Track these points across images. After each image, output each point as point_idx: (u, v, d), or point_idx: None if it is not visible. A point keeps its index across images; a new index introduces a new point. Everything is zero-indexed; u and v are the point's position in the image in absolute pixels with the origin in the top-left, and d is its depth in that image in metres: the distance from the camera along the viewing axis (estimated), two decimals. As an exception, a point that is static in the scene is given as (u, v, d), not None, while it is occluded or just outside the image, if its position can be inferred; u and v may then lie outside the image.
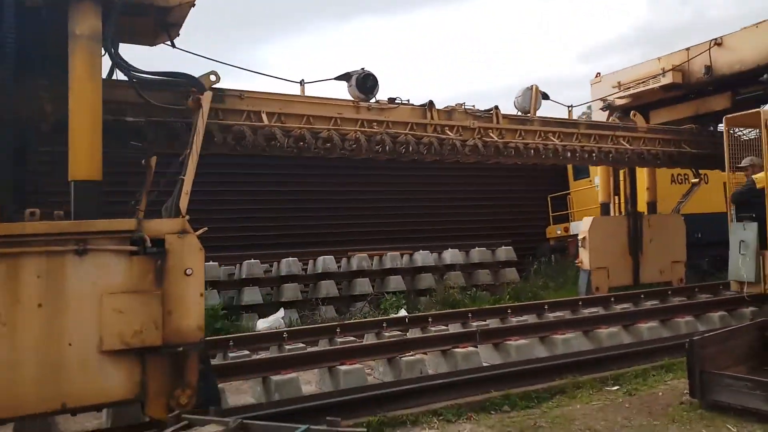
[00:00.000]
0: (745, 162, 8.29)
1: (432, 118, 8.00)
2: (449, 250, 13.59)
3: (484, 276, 13.41)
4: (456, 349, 6.93)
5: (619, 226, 11.53)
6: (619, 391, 5.98)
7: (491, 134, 8.49)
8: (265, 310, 10.75)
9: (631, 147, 9.99)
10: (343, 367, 6.24)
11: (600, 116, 11.54)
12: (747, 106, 9.08)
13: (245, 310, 10.75)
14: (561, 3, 59.20)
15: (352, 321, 9.35)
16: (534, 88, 9.01)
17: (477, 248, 13.90)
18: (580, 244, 11.15)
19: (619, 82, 11.30)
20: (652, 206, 12.30)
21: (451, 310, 9.86)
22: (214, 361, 6.86)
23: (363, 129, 7.44)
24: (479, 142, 8.28)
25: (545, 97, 9.21)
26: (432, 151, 7.97)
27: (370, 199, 15.06)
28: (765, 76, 9.28)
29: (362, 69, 7.50)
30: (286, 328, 8.79)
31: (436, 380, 6.01)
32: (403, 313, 10.19)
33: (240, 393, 6.46)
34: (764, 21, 9.08)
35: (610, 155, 9.79)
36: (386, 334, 7.98)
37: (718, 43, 9.87)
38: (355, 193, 14.84)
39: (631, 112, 10.70)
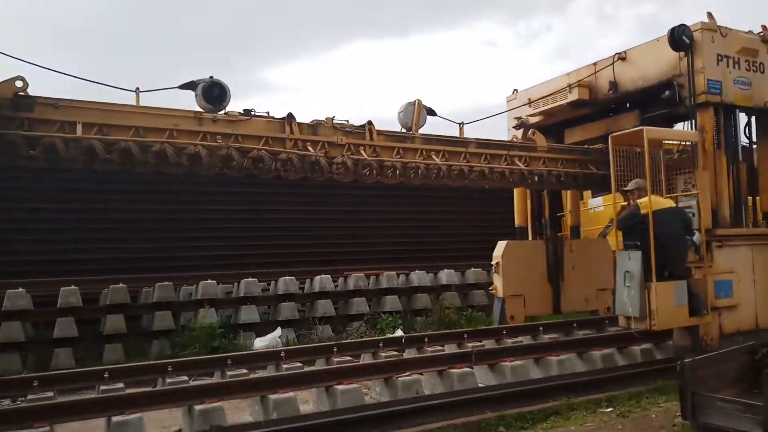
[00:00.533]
0: (630, 185, 7.68)
1: (292, 132, 7.43)
2: (445, 270, 13.65)
3: (480, 296, 13.43)
4: (452, 370, 6.97)
5: (536, 251, 10.65)
6: (612, 413, 6.06)
7: (363, 152, 7.86)
8: (262, 328, 10.78)
9: (529, 167, 9.21)
10: (341, 387, 6.27)
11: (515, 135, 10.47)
12: (656, 125, 8.46)
13: (242, 328, 10.77)
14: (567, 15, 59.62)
15: (348, 341, 9.40)
16: (417, 102, 8.39)
17: (472, 269, 13.95)
18: (493, 270, 10.30)
19: (529, 99, 10.64)
20: (574, 230, 11.57)
21: (447, 331, 9.92)
22: (213, 380, 6.93)
23: (204, 143, 6.87)
24: (349, 160, 7.69)
25: (431, 112, 8.56)
26: (293, 168, 7.37)
27: (368, 219, 15.18)
28: (666, 93, 8.67)
29: (210, 77, 6.90)
30: (283, 347, 8.84)
31: (432, 400, 6.09)
32: (399, 333, 10.25)
33: (238, 411, 6.51)
34: (664, 35, 8.50)
35: (505, 176, 9.06)
36: (383, 354, 8.02)
37: (622, 57, 9.36)
38: (351, 212, 14.96)
39: (531, 130, 9.79)
